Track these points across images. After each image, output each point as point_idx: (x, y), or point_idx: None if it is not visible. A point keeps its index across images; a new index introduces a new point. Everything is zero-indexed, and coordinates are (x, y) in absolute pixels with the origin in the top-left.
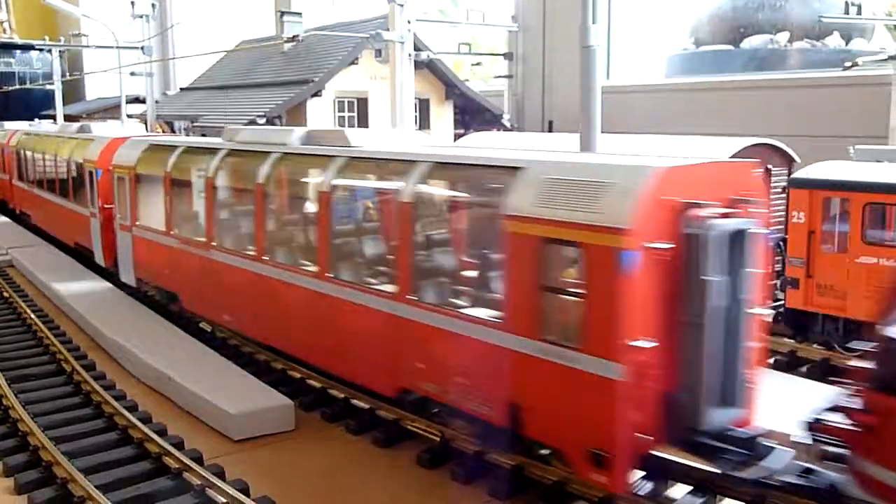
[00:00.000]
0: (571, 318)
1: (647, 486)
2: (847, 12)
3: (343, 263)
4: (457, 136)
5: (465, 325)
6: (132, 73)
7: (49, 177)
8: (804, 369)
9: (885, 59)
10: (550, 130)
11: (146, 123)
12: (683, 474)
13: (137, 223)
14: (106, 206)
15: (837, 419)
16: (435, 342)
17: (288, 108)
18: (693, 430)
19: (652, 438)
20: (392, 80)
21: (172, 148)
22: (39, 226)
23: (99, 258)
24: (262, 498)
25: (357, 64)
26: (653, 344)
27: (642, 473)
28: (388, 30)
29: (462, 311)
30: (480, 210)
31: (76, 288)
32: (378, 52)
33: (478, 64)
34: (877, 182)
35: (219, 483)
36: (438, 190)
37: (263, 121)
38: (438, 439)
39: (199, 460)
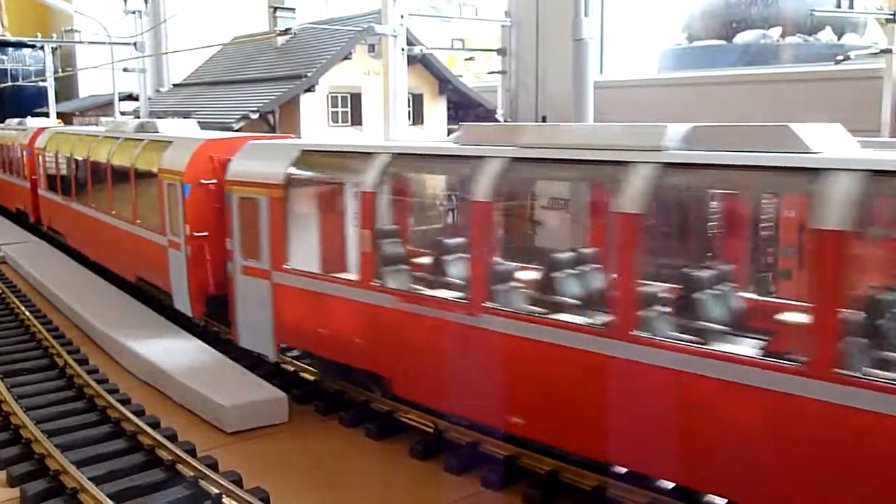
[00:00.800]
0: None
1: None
2: (839, 6)
3: None
4: (450, 132)
5: None
6: (125, 70)
7: (97, 188)
8: None
9: (877, 53)
10: None
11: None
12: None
13: (287, 266)
14: (197, 233)
15: None
16: None
17: (281, 103)
18: None
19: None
20: (385, 75)
21: (370, 155)
22: (77, 248)
23: (184, 305)
24: (256, 489)
25: (350, 59)
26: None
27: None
28: (381, 24)
29: None
30: None
31: (68, 283)
32: (371, 48)
33: (470, 58)
34: None
35: (211, 474)
36: None
37: (256, 116)
38: (432, 430)
39: (192, 452)
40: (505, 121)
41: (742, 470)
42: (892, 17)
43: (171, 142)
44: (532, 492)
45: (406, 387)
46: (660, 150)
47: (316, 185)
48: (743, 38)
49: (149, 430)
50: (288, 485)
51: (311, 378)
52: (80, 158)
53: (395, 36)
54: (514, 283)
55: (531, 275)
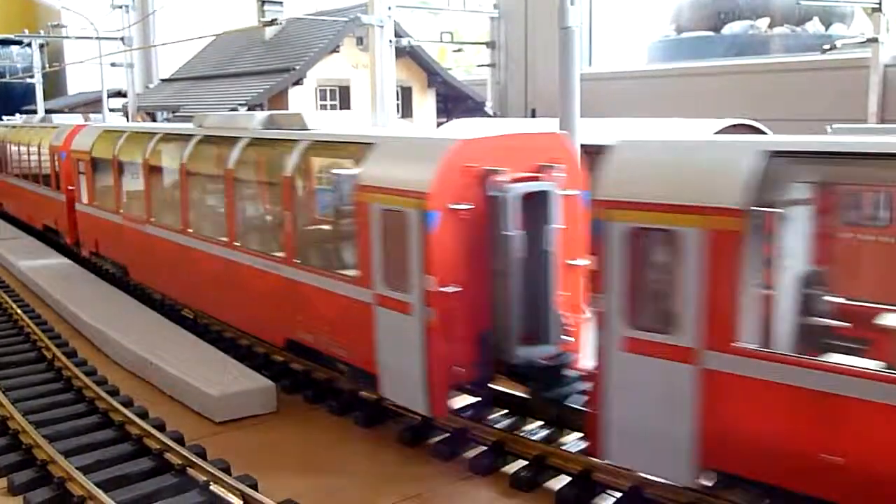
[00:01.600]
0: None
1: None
2: None
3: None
4: (439, 125)
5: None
6: (112, 65)
7: (203, 210)
8: None
9: (863, 43)
10: (534, 118)
11: (127, 115)
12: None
13: (741, 345)
14: (445, 288)
15: None
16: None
17: (269, 96)
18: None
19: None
20: (372, 66)
21: None
22: (161, 290)
23: (411, 396)
24: (244, 476)
25: (339, 52)
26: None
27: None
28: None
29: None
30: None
31: (57, 277)
32: (360, 40)
33: (459, 50)
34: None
35: (199, 462)
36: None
37: (245, 109)
38: (420, 417)
39: (180, 441)
40: (494, 114)
41: None
42: (877, 6)
43: (372, 143)
44: (519, 476)
45: None
46: None
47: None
48: (731, 28)
49: (136, 419)
50: (276, 472)
51: (300, 368)
52: (167, 167)
53: (381, 26)
54: None
55: None
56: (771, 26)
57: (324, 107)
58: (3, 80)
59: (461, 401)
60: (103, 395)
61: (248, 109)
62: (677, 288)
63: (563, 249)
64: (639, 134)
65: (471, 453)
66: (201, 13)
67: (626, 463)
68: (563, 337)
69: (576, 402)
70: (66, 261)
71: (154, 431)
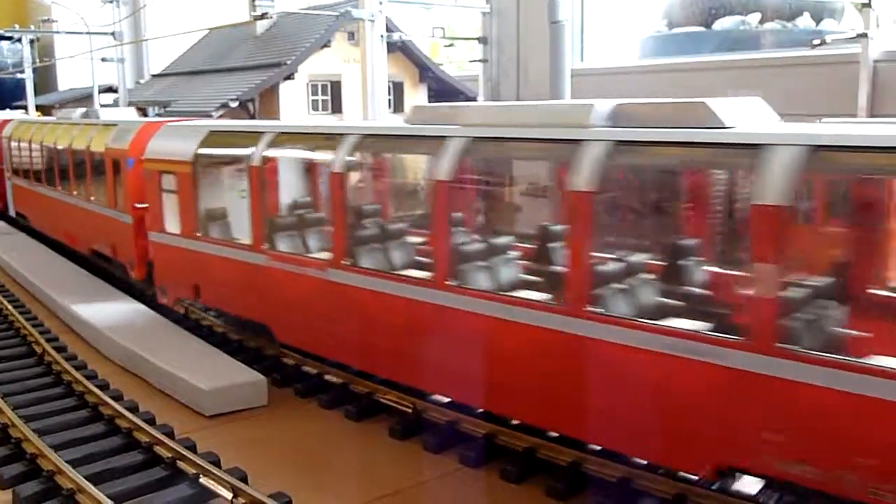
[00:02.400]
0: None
1: None
2: None
3: None
4: None
5: None
6: (103, 59)
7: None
8: None
9: (853, 38)
10: None
11: None
12: None
13: None
14: None
15: None
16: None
17: (260, 91)
18: None
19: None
20: (363, 61)
21: None
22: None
23: None
24: (233, 469)
25: (330, 47)
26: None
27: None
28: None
29: None
30: None
31: (47, 272)
32: (351, 35)
33: (450, 45)
34: None
35: (189, 455)
36: None
37: (236, 104)
38: (410, 411)
39: (170, 435)
40: None
41: None
42: (867, 2)
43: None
44: (509, 469)
45: None
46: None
47: None
48: (722, 24)
49: (127, 413)
50: (267, 465)
51: (291, 362)
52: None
53: (372, 21)
54: None
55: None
56: (762, 22)
57: (315, 101)
58: None
59: None
60: (94, 389)
61: (240, 105)
62: None
63: None
64: None
65: (461, 446)
66: (192, 8)
67: None
68: None
69: None
70: (59, 257)
71: (144, 425)
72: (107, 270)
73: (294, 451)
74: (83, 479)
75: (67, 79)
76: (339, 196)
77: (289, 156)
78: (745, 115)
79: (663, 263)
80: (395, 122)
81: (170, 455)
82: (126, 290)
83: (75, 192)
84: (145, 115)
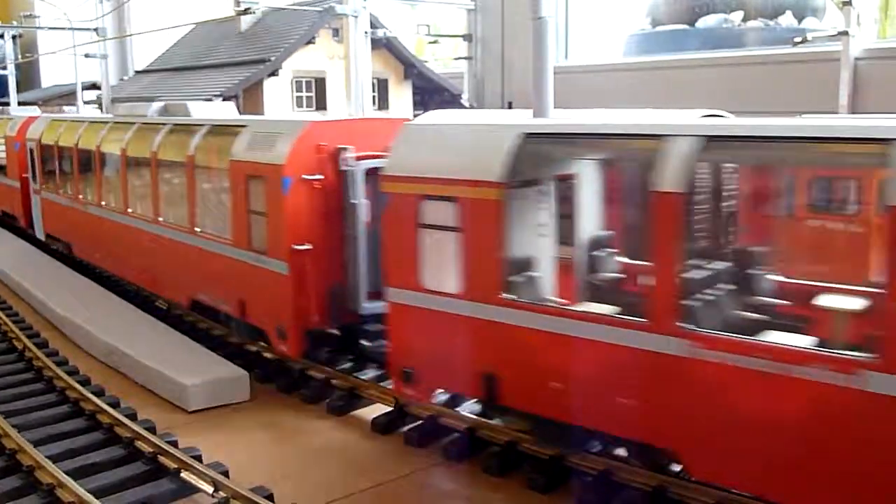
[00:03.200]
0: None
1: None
2: None
3: None
4: (415, 116)
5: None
6: (86, 55)
7: None
8: None
9: (834, 36)
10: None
11: (101, 107)
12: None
13: None
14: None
15: None
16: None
17: (244, 87)
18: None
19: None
20: (347, 57)
21: None
22: None
23: None
24: (215, 463)
25: (314, 44)
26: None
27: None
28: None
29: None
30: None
31: (29, 269)
32: (335, 32)
33: (434, 42)
34: None
35: (171, 450)
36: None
37: (219, 100)
38: (392, 405)
39: (151, 430)
40: (471, 106)
41: None
42: (848, 0)
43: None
44: (491, 462)
45: None
46: None
47: None
48: (705, 22)
49: (108, 408)
50: (248, 460)
51: (274, 357)
52: None
53: (356, 17)
54: None
55: None
56: (745, 20)
57: (300, 98)
58: None
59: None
60: (74, 384)
61: (223, 101)
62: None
63: None
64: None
65: (443, 440)
66: (176, 4)
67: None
68: None
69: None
70: (41, 253)
71: (125, 420)
72: (94, 269)
73: (276, 445)
74: (63, 475)
75: (51, 75)
76: None
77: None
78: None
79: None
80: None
81: (151, 450)
82: (109, 286)
83: (165, 219)
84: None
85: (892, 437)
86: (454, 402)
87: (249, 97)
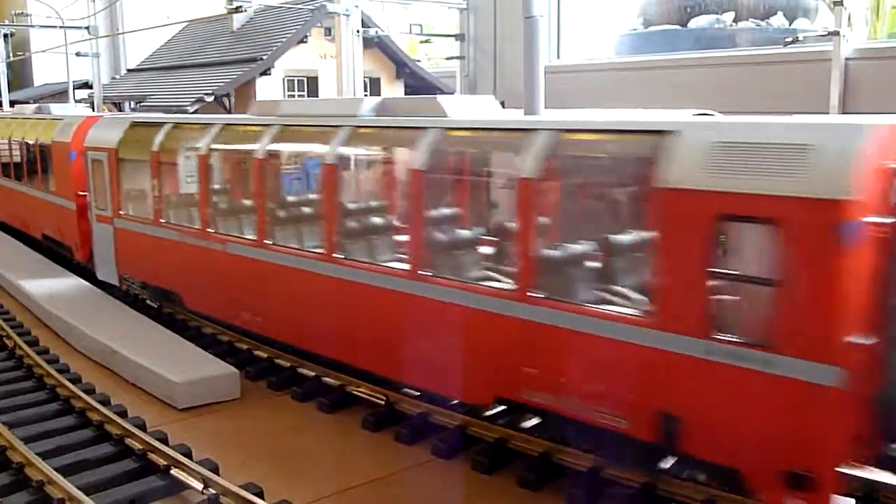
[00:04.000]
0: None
1: None
2: None
3: None
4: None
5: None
6: (77, 54)
7: None
8: None
9: (825, 36)
10: None
11: (93, 105)
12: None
13: None
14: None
15: None
16: None
17: (236, 86)
18: None
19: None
20: (339, 56)
21: None
22: None
23: None
24: (205, 461)
25: (306, 42)
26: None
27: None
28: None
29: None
30: None
31: (18, 266)
32: (328, 31)
33: (426, 41)
34: None
35: (161, 447)
36: None
37: (211, 99)
38: (383, 403)
39: (141, 427)
40: None
41: None
42: (839, 0)
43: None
44: (481, 459)
45: None
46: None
47: None
48: (697, 22)
49: (98, 406)
50: (239, 457)
51: (265, 355)
52: None
53: (347, 15)
54: None
55: None
56: (736, 20)
57: (291, 97)
58: None
59: None
60: (65, 382)
61: (215, 99)
62: None
63: None
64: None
65: (433, 437)
66: (168, 2)
67: None
68: None
69: None
70: (31, 251)
71: (115, 417)
72: (80, 264)
73: (266, 442)
74: (53, 471)
75: (43, 73)
76: None
77: None
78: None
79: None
80: None
81: (141, 447)
82: (100, 285)
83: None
84: (120, 109)
85: None
86: (443, 399)
87: (241, 96)
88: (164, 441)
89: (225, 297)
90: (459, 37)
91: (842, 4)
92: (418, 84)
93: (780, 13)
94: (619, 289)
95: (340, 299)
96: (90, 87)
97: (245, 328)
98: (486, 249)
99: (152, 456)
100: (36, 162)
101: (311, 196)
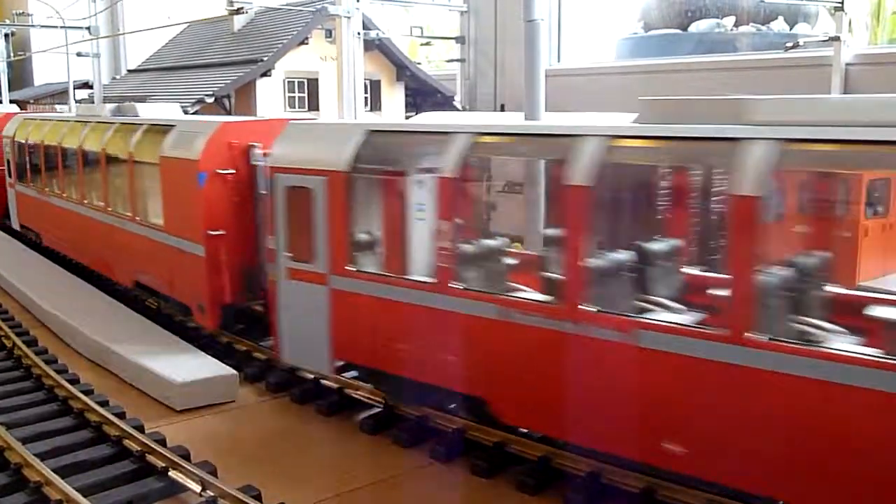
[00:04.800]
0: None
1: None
2: None
3: None
4: (408, 118)
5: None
6: (78, 54)
7: None
8: None
9: (826, 41)
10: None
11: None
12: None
13: None
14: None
15: None
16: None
17: (237, 87)
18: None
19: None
20: (339, 58)
21: None
22: None
23: None
24: (203, 463)
25: (307, 44)
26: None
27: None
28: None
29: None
30: None
31: (19, 268)
32: (329, 33)
33: (427, 44)
34: None
35: (159, 449)
36: None
37: (211, 100)
38: (381, 406)
39: (139, 428)
40: (463, 108)
41: None
42: (839, 5)
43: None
44: (480, 463)
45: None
46: None
47: None
48: (698, 26)
49: (96, 407)
50: (237, 459)
51: (263, 357)
52: None
53: (348, 17)
54: None
55: None
56: (737, 25)
57: (292, 98)
58: None
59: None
60: (63, 383)
61: (215, 100)
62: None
63: None
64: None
65: (432, 441)
66: (169, 3)
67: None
68: None
69: None
70: (30, 251)
71: (113, 418)
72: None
73: (264, 445)
74: (50, 472)
75: (44, 73)
76: None
77: None
78: None
79: None
80: None
81: (139, 448)
82: (98, 285)
83: None
84: None
85: None
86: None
87: (242, 97)
88: (163, 443)
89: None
90: (460, 39)
91: (842, 10)
92: (418, 86)
93: (780, 18)
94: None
95: None
96: (90, 87)
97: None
98: None
99: (150, 457)
100: (129, 183)
101: None
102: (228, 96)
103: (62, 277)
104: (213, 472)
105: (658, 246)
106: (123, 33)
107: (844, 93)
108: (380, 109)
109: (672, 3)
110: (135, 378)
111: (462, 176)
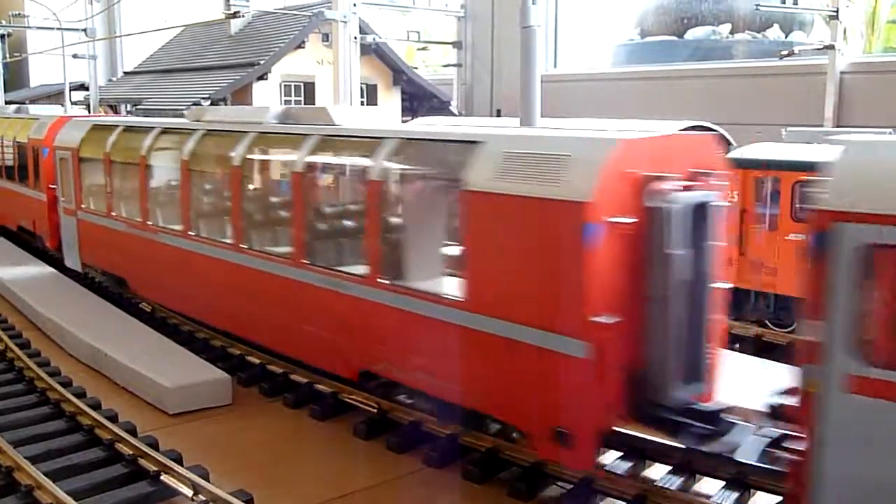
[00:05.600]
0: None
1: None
2: (783, 2)
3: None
4: (403, 122)
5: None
6: (74, 56)
7: None
8: (738, 345)
9: (821, 49)
10: (499, 118)
11: (89, 108)
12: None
13: None
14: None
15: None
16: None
17: (233, 90)
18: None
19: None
20: (336, 62)
21: None
22: None
23: None
24: (195, 467)
25: (304, 48)
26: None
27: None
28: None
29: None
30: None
31: (12, 269)
32: (325, 37)
33: (423, 48)
34: (806, 161)
35: (151, 452)
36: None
37: (207, 103)
38: (375, 411)
39: (132, 432)
40: (460, 113)
41: None
42: (834, 14)
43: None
44: (471, 468)
45: None
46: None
47: None
48: (694, 34)
49: (88, 410)
50: (229, 464)
51: (257, 361)
52: None
53: (345, 22)
54: None
55: None
56: (733, 32)
57: (288, 102)
58: None
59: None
60: (56, 386)
61: (211, 103)
62: None
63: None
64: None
65: (425, 446)
66: (167, 6)
67: None
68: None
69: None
70: (24, 253)
71: (105, 422)
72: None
73: (257, 449)
74: (42, 476)
75: (40, 75)
76: None
77: None
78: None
79: None
80: None
81: (131, 452)
82: (92, 287)
83: None
84: (115, 111)
85: None
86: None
87: (238, 100)
88: (155, 446)
89: None
90: (457, 44)
91: (837, 18)
92: (415, 91)
93: (776, 26)
94: None
95: None
96: (86, 88)
97: None
98: None
99: (142, 461)
100: (371, 225)
101: None
102: (225, 99)
103: (55, 279)
104: (206, 476)
105: None
106: (120, 35)
107: (840, 100)
108: None
109: (668, 10)
110: (128, 381)
111: None
